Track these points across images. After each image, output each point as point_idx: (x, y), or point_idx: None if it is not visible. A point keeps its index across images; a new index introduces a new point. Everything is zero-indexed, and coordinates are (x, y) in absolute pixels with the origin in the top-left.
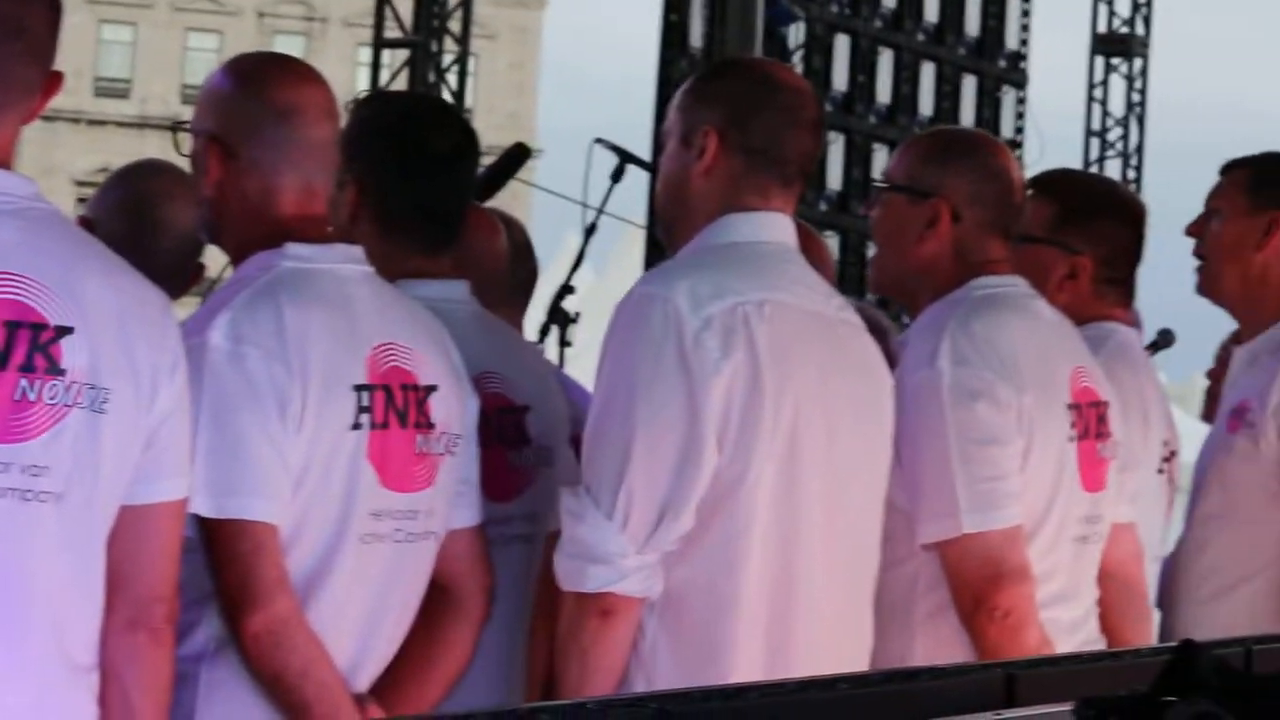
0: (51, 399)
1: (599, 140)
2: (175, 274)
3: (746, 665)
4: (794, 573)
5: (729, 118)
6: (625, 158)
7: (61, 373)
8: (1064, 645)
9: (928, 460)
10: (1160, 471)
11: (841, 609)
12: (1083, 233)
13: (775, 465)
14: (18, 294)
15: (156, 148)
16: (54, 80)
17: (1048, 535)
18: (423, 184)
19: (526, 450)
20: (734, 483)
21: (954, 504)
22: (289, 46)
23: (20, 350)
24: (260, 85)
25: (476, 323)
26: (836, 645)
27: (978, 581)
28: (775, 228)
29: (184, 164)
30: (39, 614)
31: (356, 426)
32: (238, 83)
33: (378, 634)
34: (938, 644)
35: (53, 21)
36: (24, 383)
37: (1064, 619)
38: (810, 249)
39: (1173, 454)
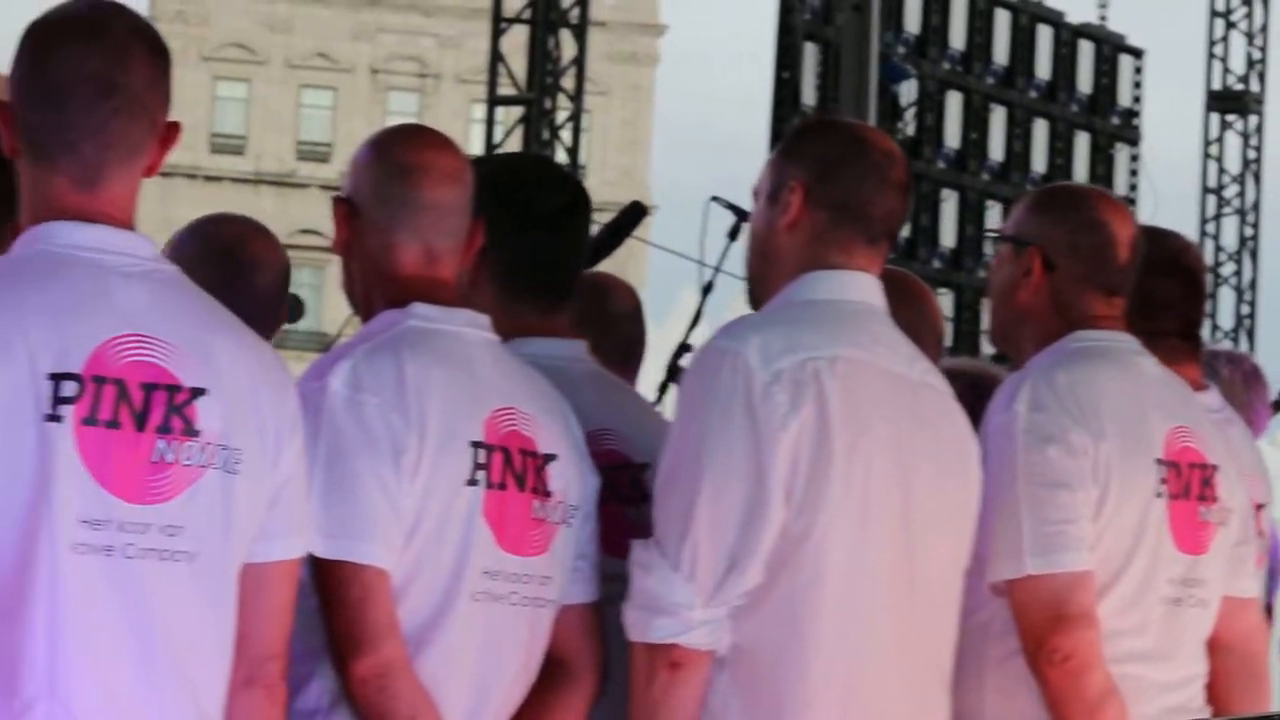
0: (187, 460)
1: (715, 198)
2: (269, 311)
3: None
4: (866, 632)
5: (815, 173)
6: (741, 215)
7: (196, 434)
8: (1154, 707)
9: (998, 501)
10: None
11: (916, 670)
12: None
13: (846, 523)
14: (153, 356)
15: (272, 203)
16: (169, 132)
17: (1129, 589)
18: (537, 242)
19: (646, 507)
20: (801, 538)
21: (1020, 545)
22: (402, 103)
23: (157, 412)
24: (386, 148)
25: (594, 381)
26: (909, 704)
27: (1040, 624)
28: (858, 287)
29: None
30: (177, 672)
31: (473, 483)
32: (369, 146)
33: (489, 696)
34: (1007, 688)
35: (153, 76)
36: (162, 444)
37: (1154, 678)
38: (921, 302)
39: (1260, 506)
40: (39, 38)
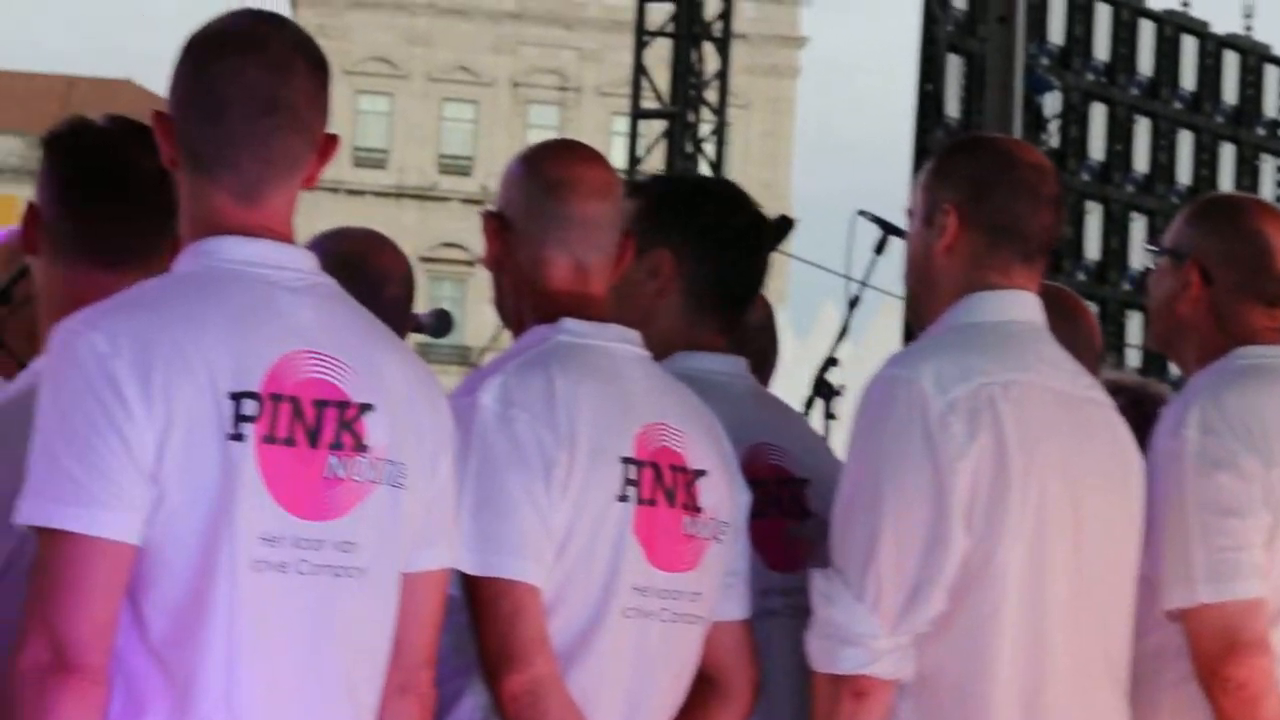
0: (358, 476)
1: (861, 212)
2: (399, 321)
3: None
4: (1043, 654)
5: (968, 194)
6: (888, 229)
7: (365, 450)
8: None
9: (1168, 528)
10: None
11: (1092, 688)
12: None
13: (1023, 546)
14: (323, 373)
15: (413, 217)
16: (328, 145)
17: None
18: (730, 262)
19: (807, 523)
20: (982, 564)
21: (1191, 573)
22: (543, 117)
23: (329, 429)
24: (537, 162)
25: (756, 396)
26: None
27: (1213, 652)
28: (1020, 306)
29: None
30: (343, 685)
31: (623, 499)
32: (520, 161)
33: (640, 713)
34: (1181, 712)
35: (314, 90)
36: (333, 461)
37: None
38: (1078, 316)
39: None
40: (200, 51)
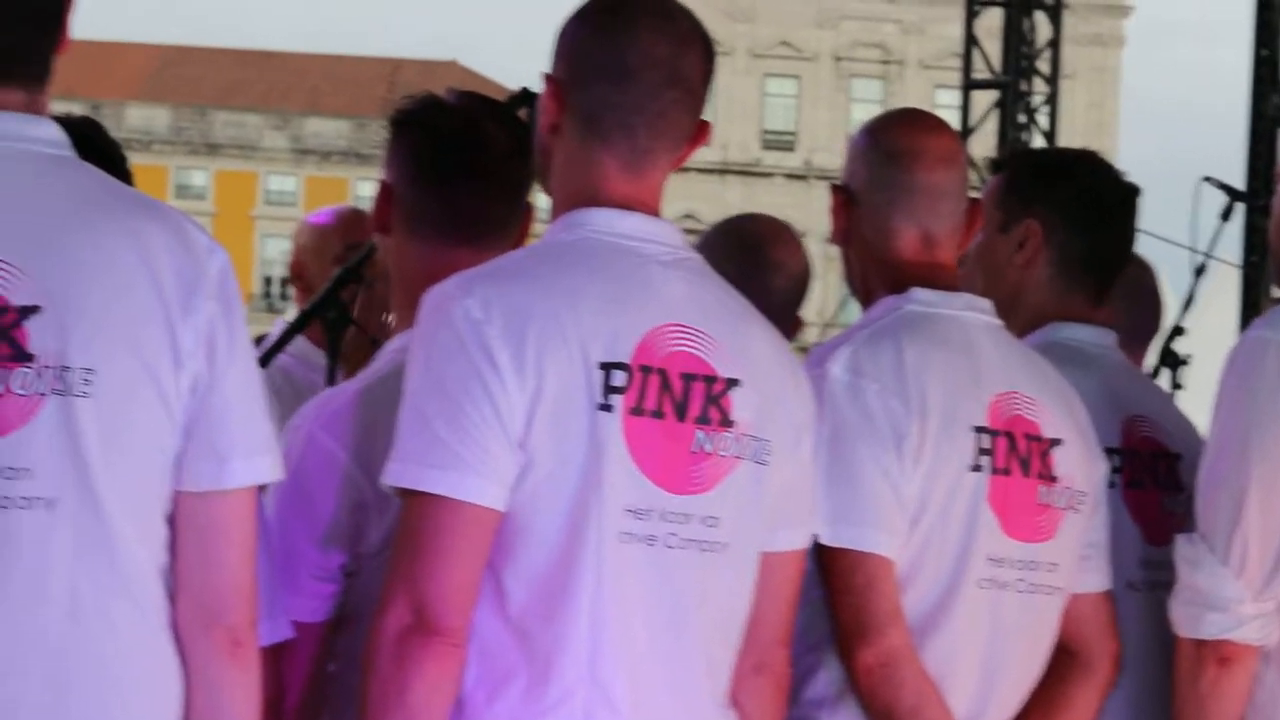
0: (724, 451)
1: (1207, 178)
2: (783, 315)
3: None
4: None
5: None
6: (1235, 196)
7: (731, 425)
8: None
9: None
10: None
11: None
12: None
13: None
14: (692, 347)
15: (737, 193)
16: (702, 128)
17: None
18: (1105, 236)
19: (1179, 497)
20: None
21: None
22: (866, 91)
23: (696, 403)
24: (881, 133)
25: (1127, 369)
26: None
27: None
28: None
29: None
30: (701, 659)
31: (976, 469)
32: (863, 133)
33: (996, 686)
34: None
35: (706, 71)
36: (700, 435)
37: None
38: None
39: None
40: (608, 17)
